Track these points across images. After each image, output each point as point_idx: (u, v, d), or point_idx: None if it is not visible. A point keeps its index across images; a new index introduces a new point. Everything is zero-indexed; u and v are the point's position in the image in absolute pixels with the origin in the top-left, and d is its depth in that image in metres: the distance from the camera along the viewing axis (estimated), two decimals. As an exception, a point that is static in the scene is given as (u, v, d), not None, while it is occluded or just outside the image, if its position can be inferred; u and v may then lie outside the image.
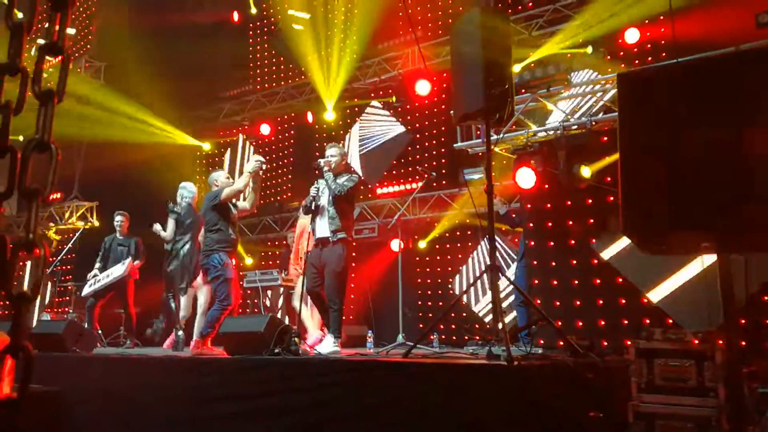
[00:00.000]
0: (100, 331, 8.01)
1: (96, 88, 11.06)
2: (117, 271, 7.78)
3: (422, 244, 9.73)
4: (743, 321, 5.66)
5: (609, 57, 8.23)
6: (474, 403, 3.27)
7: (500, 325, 3.92)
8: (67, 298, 10.14)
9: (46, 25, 1.31)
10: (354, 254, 8.34)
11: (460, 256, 9.67)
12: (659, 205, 2.29)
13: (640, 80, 2.53)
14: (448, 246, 9.84)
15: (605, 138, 6.75)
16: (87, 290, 7.85)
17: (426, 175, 7.57)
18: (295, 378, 4.07)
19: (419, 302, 9.73)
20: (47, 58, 1.30)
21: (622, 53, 8.36)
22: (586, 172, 6.56)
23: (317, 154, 11.30)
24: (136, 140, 10.75)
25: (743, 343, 5.62)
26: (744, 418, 3.12)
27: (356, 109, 11.24)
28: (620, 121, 2.46)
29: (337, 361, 4.45)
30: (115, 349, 7.52)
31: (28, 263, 12.54)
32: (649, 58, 8.04)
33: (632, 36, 8.03)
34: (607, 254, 6.57)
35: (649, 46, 8.14)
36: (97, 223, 10.96)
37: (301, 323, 6.64)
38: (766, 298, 5.76)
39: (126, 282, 7.87)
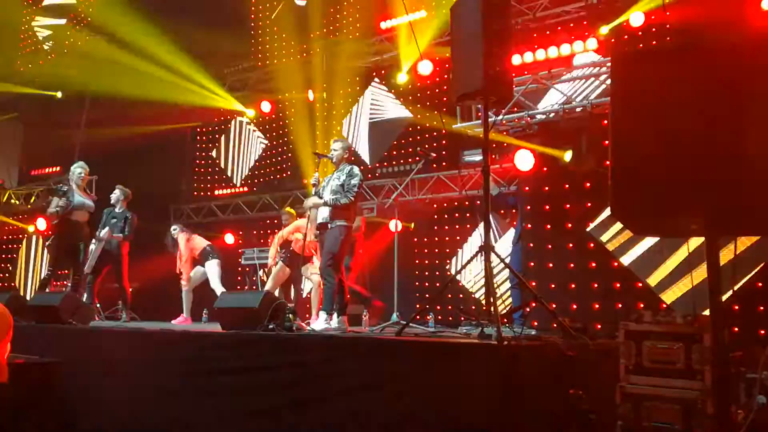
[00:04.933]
0: (98, 305, 8.05)
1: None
2: (98, 241, 7.77)
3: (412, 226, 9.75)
4: (736, 307, 5.68)
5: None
6: (463, 380, 3.29)
7: (492, 306, 3.94)
8: (66, 271, 10.17)
9: None
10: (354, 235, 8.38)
11: (458, 237, 9.68)
12: (649, 187, 2.29)
13: (635, 61, 2.51)
14: (446, 227, 9.85)
15: (605, 121, 6.72)
16: (86, 268, 7.83)
17: (422, 154, 7.55)
18: (287, 353, 4.10)
19: (416, 283, 9.76)
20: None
21: (626, 36, 8.29)
22: (569, 156, 6.56)
23: (317, 133, 11.32)
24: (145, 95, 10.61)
25: (736, 329, 5.65)
26: (730, 401, 3.15)
27: (357, 88, 11.18)
28: (613, 102, 2.46)
29: (328, 337, 4.48)
30: (111, 323, 7.57)
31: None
32: (654, 42, 7.98)
33: (637, 19, 7.95)
34: (603, 238, 6.58)
35: (653, 30, 8.07)
36: (96, 197, 10.95)
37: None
38: (759, 284, 5.78)
39: (118, 256, 7.82)
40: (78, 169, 7.38)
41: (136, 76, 10.72)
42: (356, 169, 5.76)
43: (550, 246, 6.99)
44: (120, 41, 10.96)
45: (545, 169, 7.12)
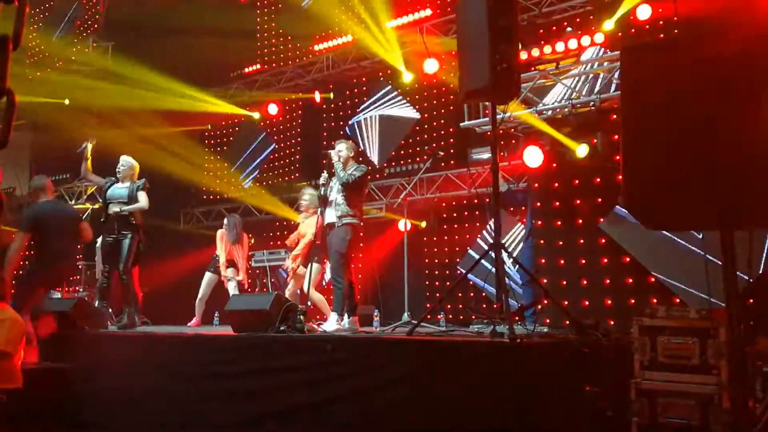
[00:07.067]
0: (110, 310, 8.07)
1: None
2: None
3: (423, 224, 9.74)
4: (751, 300, 5.61)
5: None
6: (476, 379, 3.28)
7: (503, 304, 3.92)
8: (78, 277, 10.23)
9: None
10: (362, 234, 8.38)
11: (468, 236, 9.64)
12: (661, 180, 2.27)
13: (644, 54, 2.48)
14: (456, 226, 9.81)
15: (614, 115, 6.68)
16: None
17: (430, 152, 7.52)
18: (298, 355, 4.09)
19: (426, 282, 9.73)
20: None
21: (633, 30, 8.22)
22: (582, 151, 6.51)
23: (325, 134, 11.32)
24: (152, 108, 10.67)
25: (751, 322, 5.58)
26: (746, 396, 3.11)
27: (364, 88, 11.16)
28: (622, 95, 2.43)
29: (339, 338, 4.47)
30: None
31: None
32: (661, 35, 7.90)
33: (644, 12, 7.88)
34: (614, 233, 6.53)
35: (661, 22, 8.00)
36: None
37: (316, 307, 6.84)
38: (775, 277, 5.71)
39: None
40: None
41: (141, 88, 10.80)
42: (363, 166, 5.90)
43: (560, 242, 6.96)
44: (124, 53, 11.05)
45: (554, 165, 7.07)
